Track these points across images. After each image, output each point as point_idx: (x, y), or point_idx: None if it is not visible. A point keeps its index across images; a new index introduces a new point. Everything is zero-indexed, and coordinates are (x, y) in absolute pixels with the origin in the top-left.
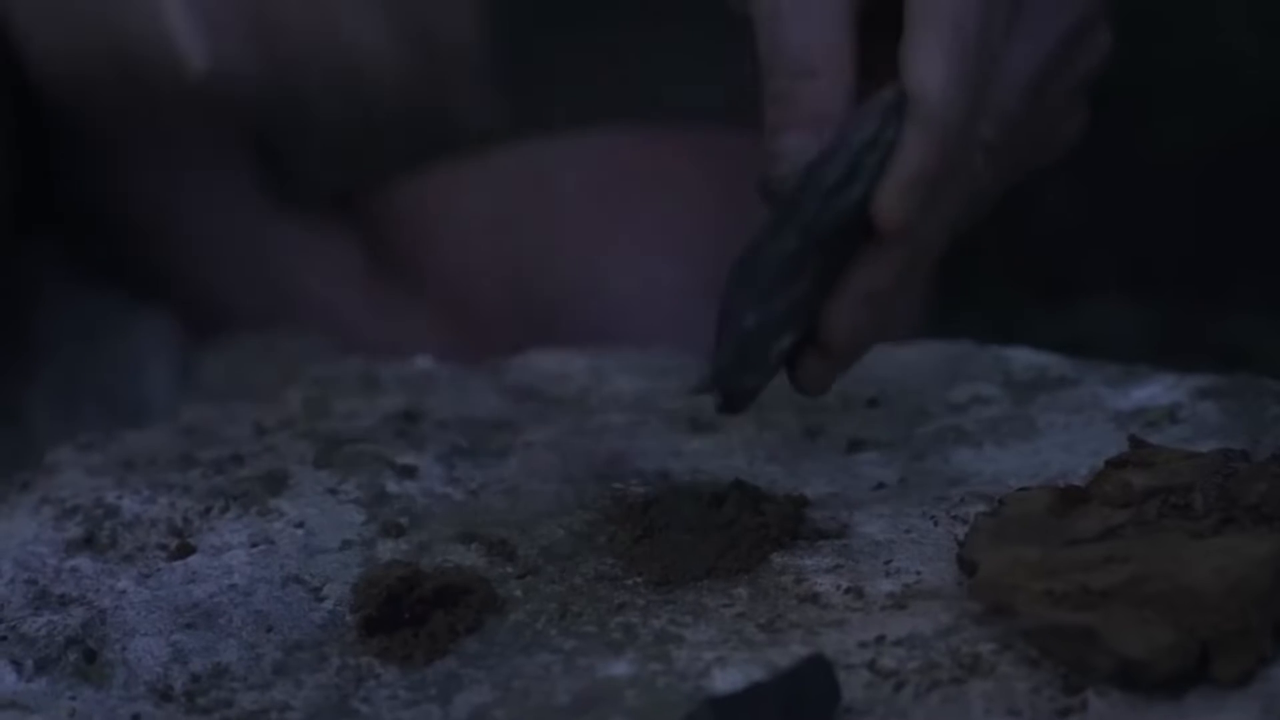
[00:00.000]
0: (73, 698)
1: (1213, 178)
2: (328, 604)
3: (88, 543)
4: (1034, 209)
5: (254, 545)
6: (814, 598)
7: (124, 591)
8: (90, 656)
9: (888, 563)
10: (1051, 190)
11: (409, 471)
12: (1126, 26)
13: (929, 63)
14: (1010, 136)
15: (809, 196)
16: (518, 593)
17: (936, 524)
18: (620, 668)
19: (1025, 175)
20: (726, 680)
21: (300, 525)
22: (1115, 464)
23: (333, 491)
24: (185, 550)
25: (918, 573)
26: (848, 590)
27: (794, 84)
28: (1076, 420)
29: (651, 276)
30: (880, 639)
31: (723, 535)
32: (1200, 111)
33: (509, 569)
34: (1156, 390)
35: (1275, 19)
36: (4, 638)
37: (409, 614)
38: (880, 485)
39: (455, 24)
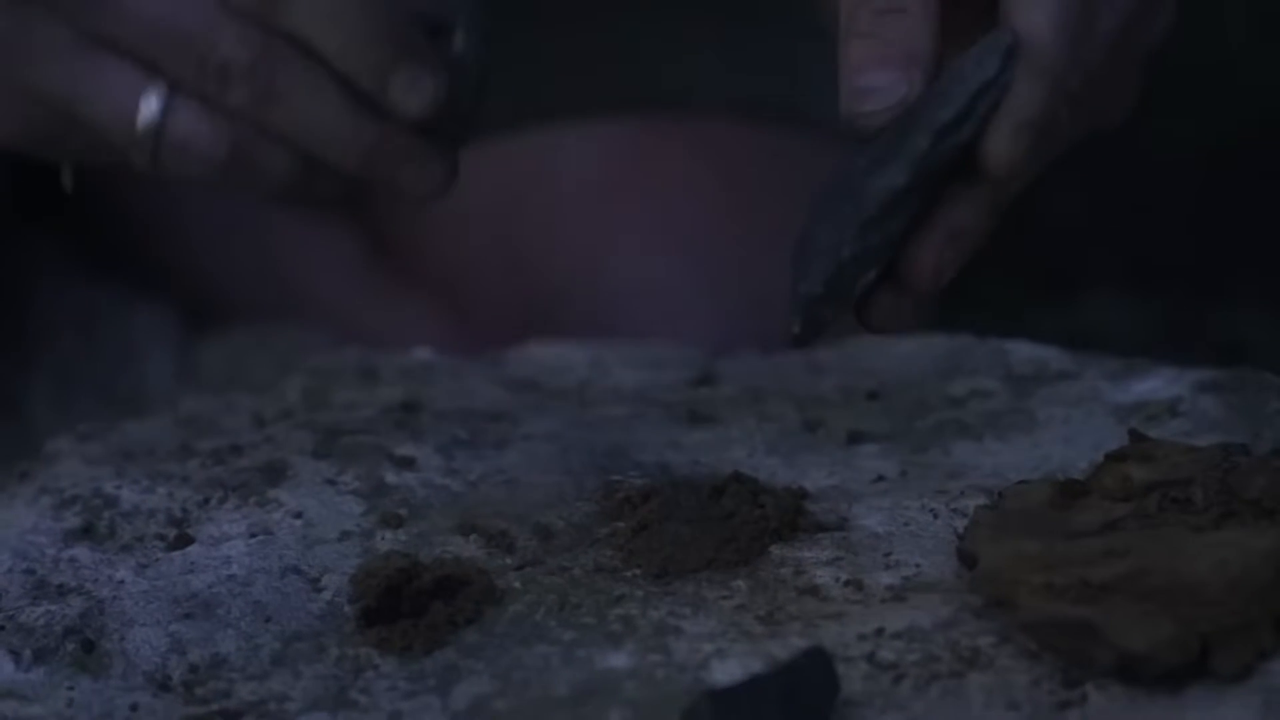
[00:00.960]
0: (71, 688)
1: (1213, 174)
2: (326, 595)
3: (86, 533)
4: (1035, 204)
5: (252, 536)
6: (813, 590)
7: (122, 581)
8: (88, 646)
9: (887, 555)
10: (1053, 186)
11: (408, 462)
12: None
13: (1041, 9)
14: (1090, 90)
15: (920, 133)
16: (516, 584)
17: (936, 517)
18: (619, 659)
19: (1084, 134)
20: (725, 672)
21: (299, 516)
22: (1115, 457)
23: (331, 482)
24: (184, 540)
25: (917, 565)
26: (847, 583)
27: (883, 19)
28: (1077, 414)
29: (651, 268)
30: (879, 631)
31: (722, 527)
32: (1201, 109)
33: (508, 560)
34: (1157, 384)
35: (1275, 18)
36: (2, 627)
37: (408, 605)
38: (880, 478)
39: None
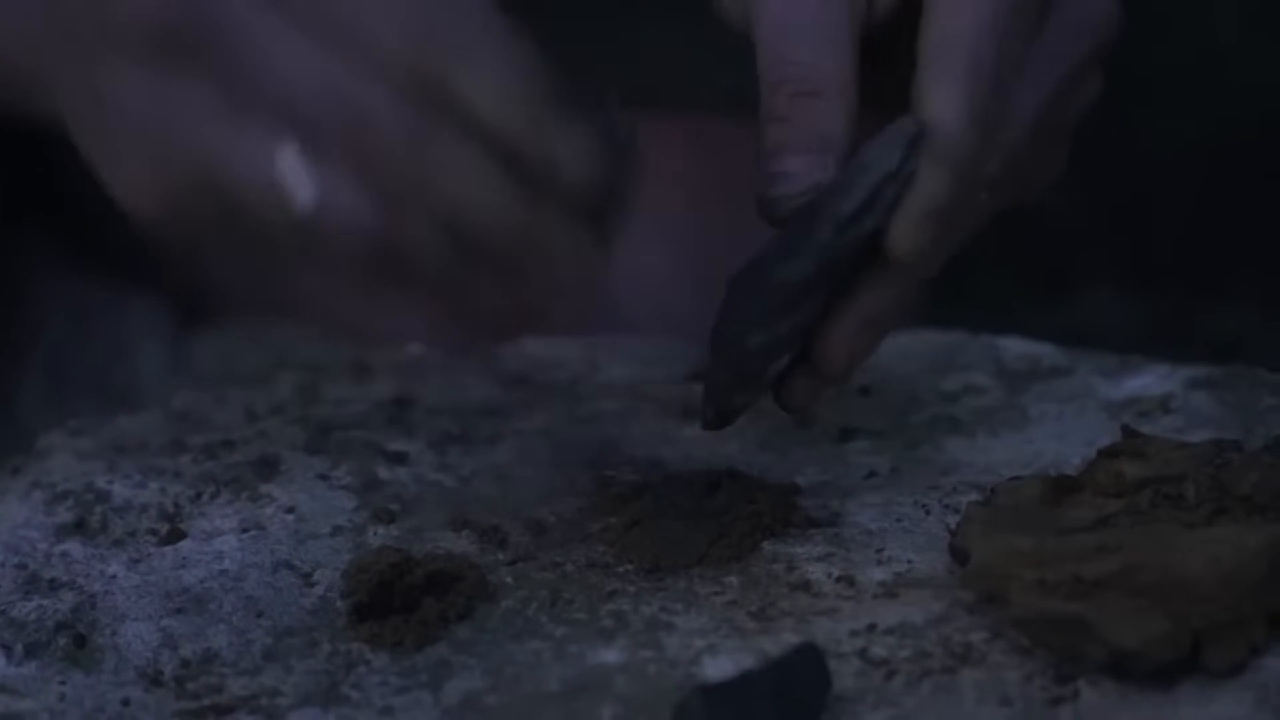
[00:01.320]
0: (62, 682)
1: (1207, 172)
2: (318, 590)
3: (78, 527)
4: (1030, 203)
5: (245, 531)
6: (805, 586)
7: (114, 576)
8: (80, 641)
9: (879, 551)
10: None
11: (400, 458)
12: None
13: (947, 97)
14: (1014, 169)
15: (823, 224)
16: (509, 579)
17: (928, 513)
18: (611, 655)
19: (1003, 209)
20: (717, 668)
21: (291, 511)
22: (1108, 453)
23: (324, 477)
24: (176, 535)
25: (909, 561)
26: (839, 579)
27: (797, 104)
28: (1069, 410)
29: (644, 265)
30: (872, 627)
31: (714, 523)
32: (1195, 107)
33: (500, 556)
34: (1149, 380)
35: (1270, 16)
36: None
37: (400, 600)
38: (872, 474)
39: None
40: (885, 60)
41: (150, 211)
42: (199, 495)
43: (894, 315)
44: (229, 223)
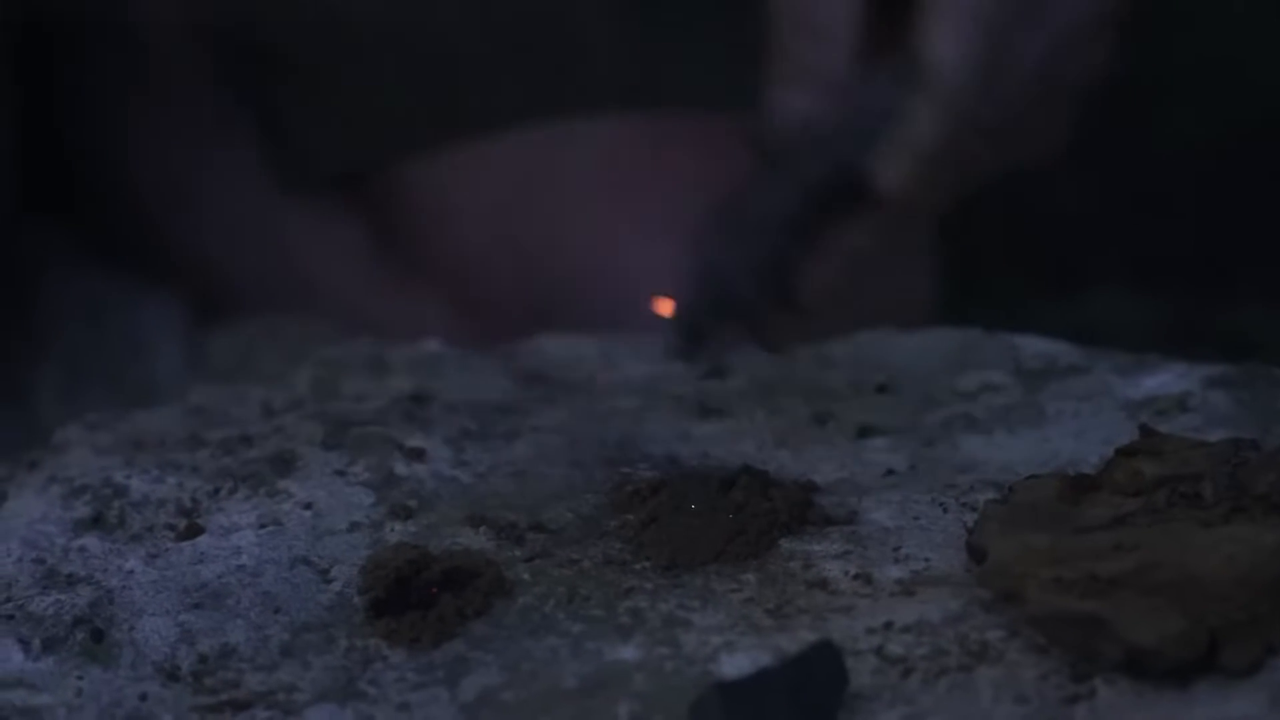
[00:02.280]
0: (80, 677)
1: (1221, 170)
2: (335, 585)
3: (96, 522)
4: (1043, 199)
5: (262, 526)
6: (822, 583)
7: (132, 571)
8: (98, 636)
9: (896, 549)
10: (1061, 181)
11: (417, 454)
12: (1135, 21)
13: (944, 40)
14: (1009, 124)
15: (816, 160)
16: (526, 576)
17: (946, 511)
18: (628, 652)
19: (1007, 169)
20: (734, 665)
21: (308, 507)
22: (1125, 452)
23: (341, 473)
24: (193, 531)
25: (926, 559)
26: (856, 576)
27: (802, 42)
28: (1086, 408)
29: (656, 262)
30: (888, 625)
31: (731, 520)
32: (1208, 105)
33: (517, 552)
34: (1167, 379)
35: None
36: (11, 617)
37: (417, 596)
38: (889, 472)
39: None
40: (895, 5)
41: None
42: (216, 490)
43: (872, 253)
44: None
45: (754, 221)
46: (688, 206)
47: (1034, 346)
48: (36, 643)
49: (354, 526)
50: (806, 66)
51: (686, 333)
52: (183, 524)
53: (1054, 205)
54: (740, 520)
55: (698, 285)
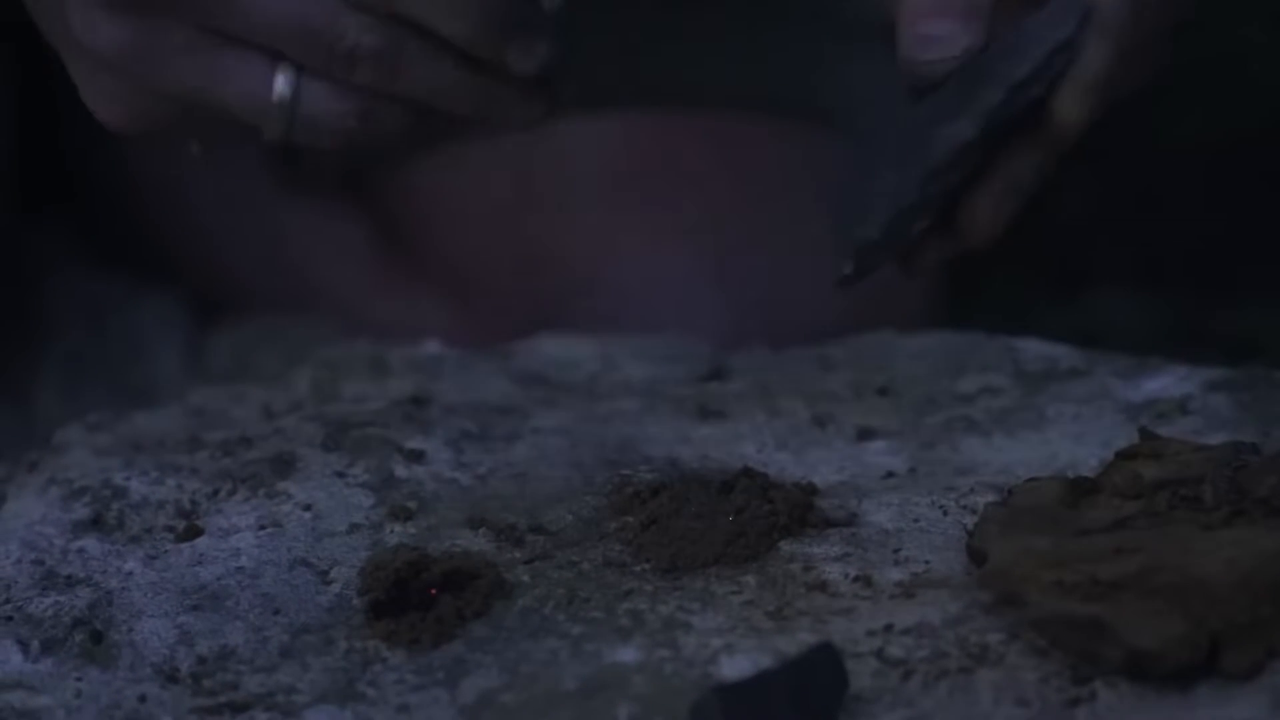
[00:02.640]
0: (79, 679)
1: (1224, 171)
2: (335, 587)
3: (95, 524)
4: (1045, 201)
5: (262, 528)
6: (822, 586)
7: (131, 573)
8: (97, 638)
9: (896, 551)
10: (1063, 182)
11: (417, 455)
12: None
13: None
14: (1141, 55)
15: (993, 87)
16: (525, 578)
17: (946, 513)
18: (628, 654)
19: (1124, 97)
20: (734, 667)
21: (308, 508)
22: (1125, 455)
23: (341, 475)
24: (193, 532)
25: (926, 562)
26: (856, 579)
27: None
28: (1086, 411)
29: (662, 263)
30: (889, 628)
31: (731, 523)
32: (1211, 105)
33: (517, 554)
34: (1167, 382)
35: None
36: (10, 618)
37: (416, 598)
38: (889, 474)
39: None
40: None
41: (133, 123)
42: (216, 492)
43: (1037, 183)
44: (209, 128)
45: (932, 151)
46: (695, 206)
47: (1034, 349)
48: (35, 644)
49: (353, 528)
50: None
51: (860, 264)
52: (182, 525)
53: (1056, 206)
54: (740, 523)
55: (871, 215)
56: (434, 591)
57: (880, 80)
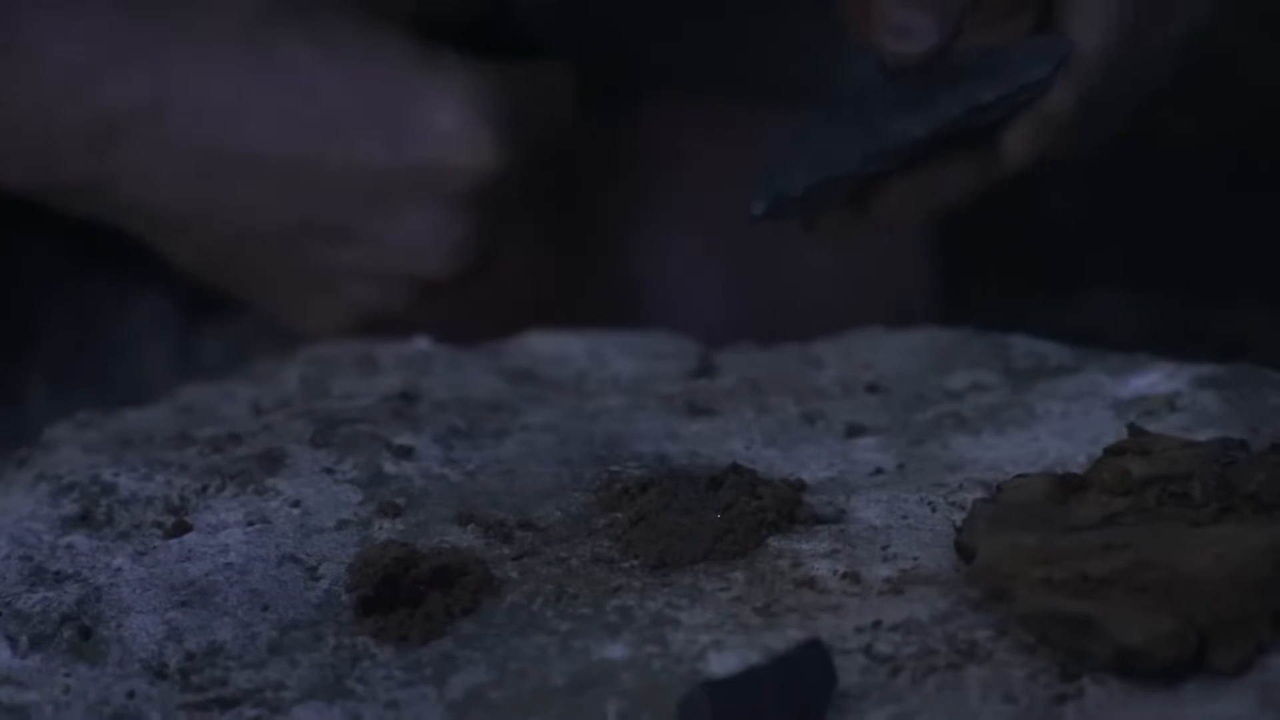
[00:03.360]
0: (67, 675)
1: (1216, 172)
2: (324, 583)
3: (84, 520)
4: (1037, 201)
5: (250, 524)
6: (811, 582)
7: (119, 569)
8: (85, 634)
9: (885, 548)
10: (1054, 183)
11: (406, 452)
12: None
13: (1095, 21)
14: (1103, 112)
15: (955, 100)
16: (514, 574)
17: (934, 510)
18: (616, 650)
19: (1078, 153)
20: (722, 664)
21: (297, 504)
22: (1114, 451)
23: (329, 471)
24: (181, 528)
25: (915, 558)
26: (845, 575)
27: None
28: (1075, 408)
29: (668, 252)
30: (877, 624)
31: (719, 519)
32: (1203, 106)
33: (505, 550)
34: (1156, 379)
35: (1277, 15)
36: None
37: (405, 594)
38: (878, 471)
39: None
40: None
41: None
42: (205, 488)
43: (960, 197)
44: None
45: (878, 136)
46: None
47: (1023, 346)
48: (24, 640)
49: (342, 524)
50: None
51: (771, 210)
52: (170, 521)
53: (1049, 206)
54: (728, 519)
55: (799, 171)
56: (423, 588)
57: (851, 55)
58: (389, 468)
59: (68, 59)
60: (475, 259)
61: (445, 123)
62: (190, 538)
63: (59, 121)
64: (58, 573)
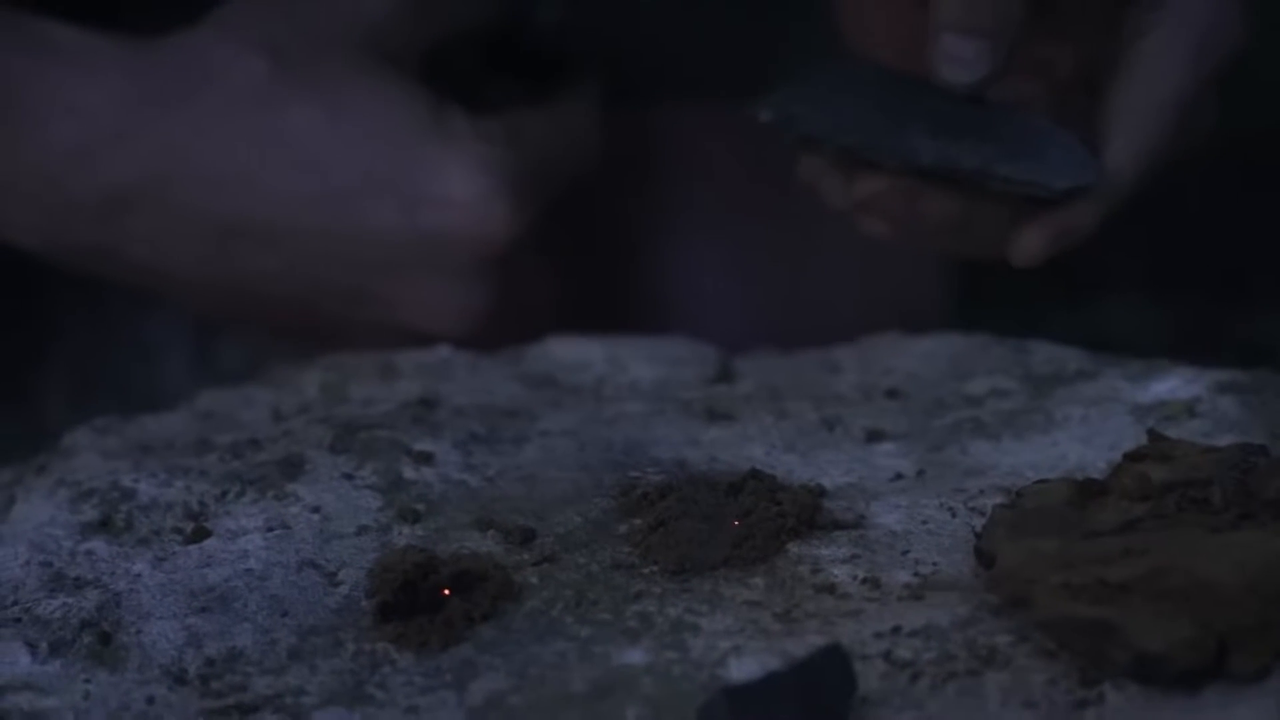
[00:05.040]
0: (87, 680)
1: (1234, 175)
2: (343, 589)
3: (103, 526)
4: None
5: (270, 530)
6: (830, 588)
7: (139, 575)
8: (105, 639)
9: (905, 553)
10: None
11: (425, 458)
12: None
13: (1132, 154)
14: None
15: (971, 156)
16: (534, 580)
17: (954, 515)
18: (636, 656)
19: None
20: (742, 669)
21: (316, 510)
22: (1133, 457)
23: (349, 477)
24: (201, 534)
25: (935, 564)
26: (864, 581)
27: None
28: (1094, 413)
29: (676, 259)
30: (896, 630)
31: (739, 525)
32: (1222, 109)
33: (525, 556)
34: (1175, 384)
35: None
36: (19, 620)
37: (424, 600)
38: (898, 476)
39: None
40: None
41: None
42: (224, 494)
43: (939, 240)
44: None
45: (882, 131)
46: (713, 199)
47: (1043, 352)
48: (44, 646)
49: (362, 530)
50: (982, 13)
51: (775, 117)
52: (190, 527)
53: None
54: (748, 524)
55: (820, 107)
56: (446, 592)
57: (851, 63)
58: (409, 473)
59: (73, 133)
60: (489, 315)
61: (457, 193)
62: (210, 543)
63: (67, 193)
64: (77, 579)
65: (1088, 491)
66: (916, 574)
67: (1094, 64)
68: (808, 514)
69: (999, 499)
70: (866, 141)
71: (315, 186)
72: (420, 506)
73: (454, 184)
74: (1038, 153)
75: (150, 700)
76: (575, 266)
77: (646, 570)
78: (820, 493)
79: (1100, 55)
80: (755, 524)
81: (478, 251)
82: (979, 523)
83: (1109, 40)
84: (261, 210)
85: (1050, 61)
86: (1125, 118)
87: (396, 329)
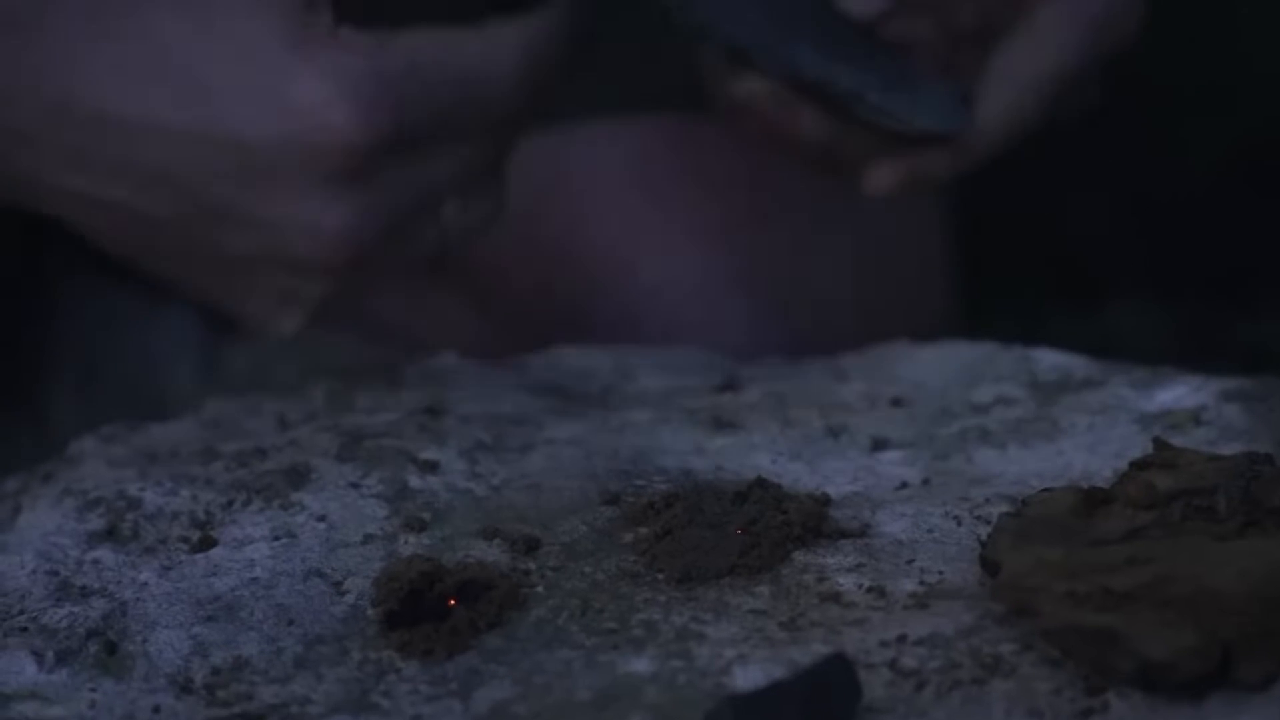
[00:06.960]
0: (93, 689)
1: (1240, 180)
2: (349, 598)
3: (109, 534)
4: (1060, 211)
5: (276, 539)
6: (835, 596)
7: (145, 584)
8: (111, 648)
9: (910, 562)
10: (1077, 193)
11: (431, 466)
12: (1152, 29)
13: (1000, 116)
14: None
15: (847, 77)
16: (539, 588)
17: (959, 524)
18: (641, 664)
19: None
20: (747, 678)
21: (322, 519)
22: (1139, 465)
23: (355, 485)
24: (207, 543)
25: (940, 572)
26: (869, 589)
27: None
28: (1100, 421)
29: (681, 267)
30: (902, 638)
31: (745, 533)
32: (1227, 113)
33: (531, 565)
34: (1181, 392)
35: None
36: (25, 629)
37: (430, 609)
38: (903, 485)
39: None
40: None
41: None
42: (230, 503)
43: (808, 152)
44: None
45: (783, 53)
46: (714, 210)
47: (1048, 359)
48: (50, 655)
49: (368, 539)
50: None
51: (681, 19)
52: (196, 536)
53: (1072, 218)
54: (754, 533)
55: (719, 27)
56: (452, 601)
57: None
58: (414, 482)
59: None
60: (373, 244)
61: (297, 98)
62: (216, 552)
63: None
64: (83, 588)
65: (1093, 500)
66: (922, 582)
67: (993, 19)
68: (813, 522)
69: (1004, 507)
70: (754, 43)
71: (178, 84)
72: (426, 515)
73: (298, 88)
74: (912, 91)
75: (156, 709)
76: (578, 274)
77: (652, 579)
78: (826, 501)
79: (1000, 13)
80: (761, 532)
81: (320, 162)
82: (984, 531)
83: (1011, 1)
84: (127, 109)
85: (951, 9)
86: (1005, 80)
87: (286, 264)
